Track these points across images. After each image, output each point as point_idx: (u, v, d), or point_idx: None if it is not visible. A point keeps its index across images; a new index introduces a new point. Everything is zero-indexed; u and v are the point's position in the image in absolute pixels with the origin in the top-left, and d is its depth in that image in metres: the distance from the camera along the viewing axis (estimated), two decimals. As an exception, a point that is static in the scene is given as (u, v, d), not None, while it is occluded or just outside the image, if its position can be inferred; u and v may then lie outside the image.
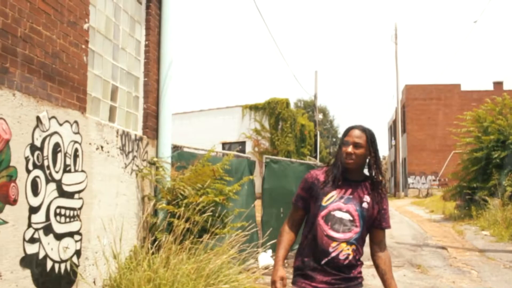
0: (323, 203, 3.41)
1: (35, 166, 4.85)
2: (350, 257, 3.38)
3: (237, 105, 31.59)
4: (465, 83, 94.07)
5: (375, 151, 3.50)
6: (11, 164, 4.52)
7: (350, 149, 3.41)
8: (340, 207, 3.40)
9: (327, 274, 3.37)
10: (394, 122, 51.05)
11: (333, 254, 3.35)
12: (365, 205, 3.45)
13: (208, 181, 7.20)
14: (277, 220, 11.25)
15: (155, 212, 7.35)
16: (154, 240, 6.73)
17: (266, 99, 30.79)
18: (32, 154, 4.82)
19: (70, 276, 5.45)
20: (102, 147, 6.15)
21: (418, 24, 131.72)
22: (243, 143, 30.78)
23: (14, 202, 4.55)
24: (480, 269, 10.70)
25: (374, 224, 3.52)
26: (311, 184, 3.51)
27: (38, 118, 4.91)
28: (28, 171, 4.76)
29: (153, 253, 6.26)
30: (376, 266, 3.57)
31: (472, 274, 10.22)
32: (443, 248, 13.79)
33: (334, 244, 3.35)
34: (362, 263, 3.52)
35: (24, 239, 4.70)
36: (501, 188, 17.96)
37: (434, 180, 46.74)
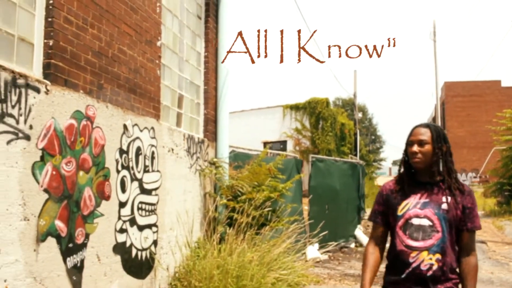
0: (399, 213, 3.24)
1: (123, 167, 5.66)
2: (434, 267, 3.11)
3: (278, 105, 32.25)
4: (506, 79, 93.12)
5: (441, 146, 3.28)
6: (106, 165, 5.33)
7: (415, 148, 3.25)
8: (417, 213, 3.20)
9: None
10: (434, 119, 51.00)
11: (414, 265, 3.13)
12: (444, 206, 3.20)
13: (267, 179, 7.96)
14: (323, 216, 11.92)
15: (215, 207, 8.12)
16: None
17: (306, 98, 31.43)
18: (121, 157, 5.62)
19: (149, 262, 6.24)
20: (172, 149, 6.94)
21: (457, 21, 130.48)
22: (284, 142, 31.43)
23: (108, 198, 5.36)
24: (518, 261, 11.22)
25: (458, 226, 3.22)
26: (386, 196, 3.36)
27: (124, 126, 5.71)
28: (118, 171, 5.57)
29: (217, 244, 7.02)
30: (459, 272, 3.26)
31: (510, 266, 10.75)
32: (483, 242, 14.28)
33: (414, 253, 3.14)
34: (455, 279, 3.22)
35: (115, 230, 5.50)
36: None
37: (475, 177, 46.67)
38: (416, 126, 3.35)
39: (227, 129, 8.70)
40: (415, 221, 3.19)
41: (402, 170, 3.40)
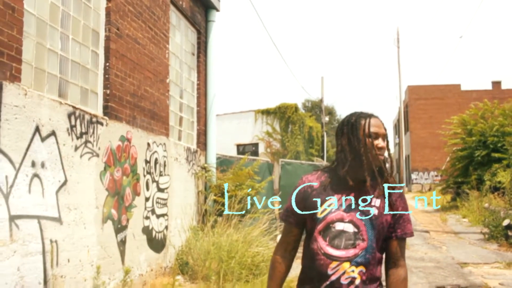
0: (319, 215, 2.72)
1: (147, 173, 7.98)
2: (357, 281, 2.65)
3: (250, 110, 34.49)
4: (465, 83, 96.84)
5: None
6: (138, 172, 7.64)
7: (381, 142, 2.75)
8: (341, 216, 2.70)
9: None
10: (398, 121, 53.56)
11: (333, 278, 2.65)
12: (373, 210, 2.72)
13: (246, 180, 10.36)
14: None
15: (207, 202, 10.47)
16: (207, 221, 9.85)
17: (277, 104, 33.81)
18: (145, 166, 7.94)
19: (163, 242, 8.57)
20: (177, 158, 9.27)
21: (419, 28, 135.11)
22: (256, 145, 33.75)
23: (138, 194, 7.68)
24: (449, 245, 13.80)
25: (387, 233, 2.78)
26: (304, 193, 2.82)
27: (148, 144, 8.03)
28: (144, 176, 7.89)
29: (211, 228, 9.37)
30: (387, 285, 2.82)
31: (442, 249, 13.30)
32: (427, 231, 16.89)
33: (333, 264, 2.66)
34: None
35: (143, 217, 7.82)
36: (481, 182, 20.97)
37: (436, 176, 49.25)
38: (372, 116, 2.83)
39: (214, 140, 11.07)
40: (338, 225, 2.70)
41: (344, 165, 2.78)
